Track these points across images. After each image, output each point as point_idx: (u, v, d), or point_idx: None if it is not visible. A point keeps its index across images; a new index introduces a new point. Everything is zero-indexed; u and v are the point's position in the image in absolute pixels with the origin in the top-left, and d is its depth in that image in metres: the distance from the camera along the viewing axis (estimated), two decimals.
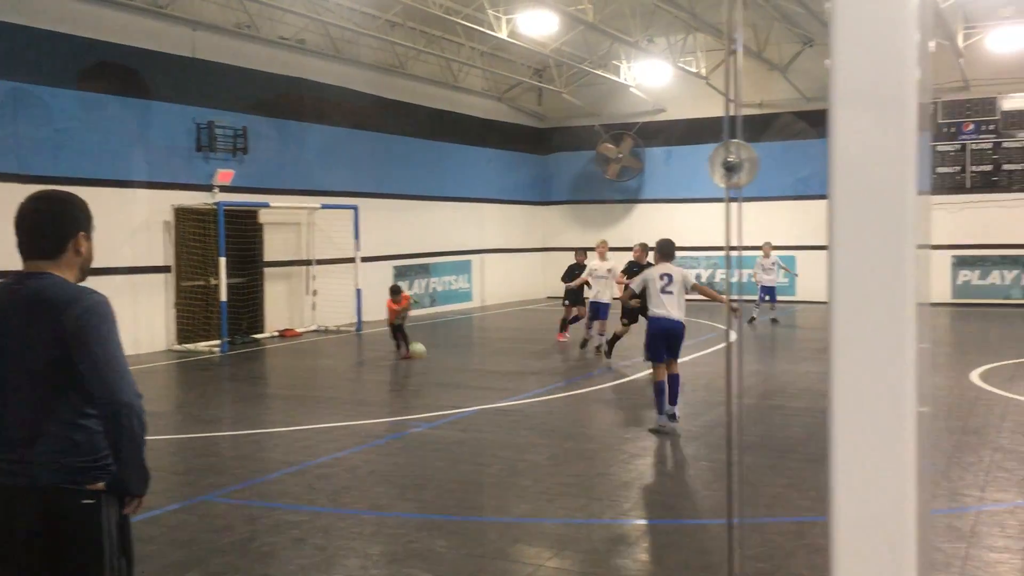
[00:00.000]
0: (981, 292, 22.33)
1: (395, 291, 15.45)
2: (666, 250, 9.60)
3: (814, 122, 22.56)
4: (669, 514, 6.77)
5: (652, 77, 23.84)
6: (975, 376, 12.06)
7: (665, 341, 9.18)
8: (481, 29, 18.77)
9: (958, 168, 22.65)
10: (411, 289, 22.39)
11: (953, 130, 22.60)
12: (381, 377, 13.87)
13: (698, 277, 21.66)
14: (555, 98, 26.24)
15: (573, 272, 16.45)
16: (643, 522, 6.57)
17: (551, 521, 6.52)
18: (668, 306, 9.10)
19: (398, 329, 15.05)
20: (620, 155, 26.05)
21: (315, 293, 19.04)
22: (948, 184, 22.64)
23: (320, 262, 19.18)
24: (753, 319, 19.18)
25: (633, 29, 19.95)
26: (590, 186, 27.08)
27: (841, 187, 1.07)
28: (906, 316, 1.05)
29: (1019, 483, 7.19)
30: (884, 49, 1.04)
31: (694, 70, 22.50)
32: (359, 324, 18.76)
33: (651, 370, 9.53)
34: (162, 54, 16.10)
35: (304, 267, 19.10)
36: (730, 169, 1.52)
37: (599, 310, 15.04)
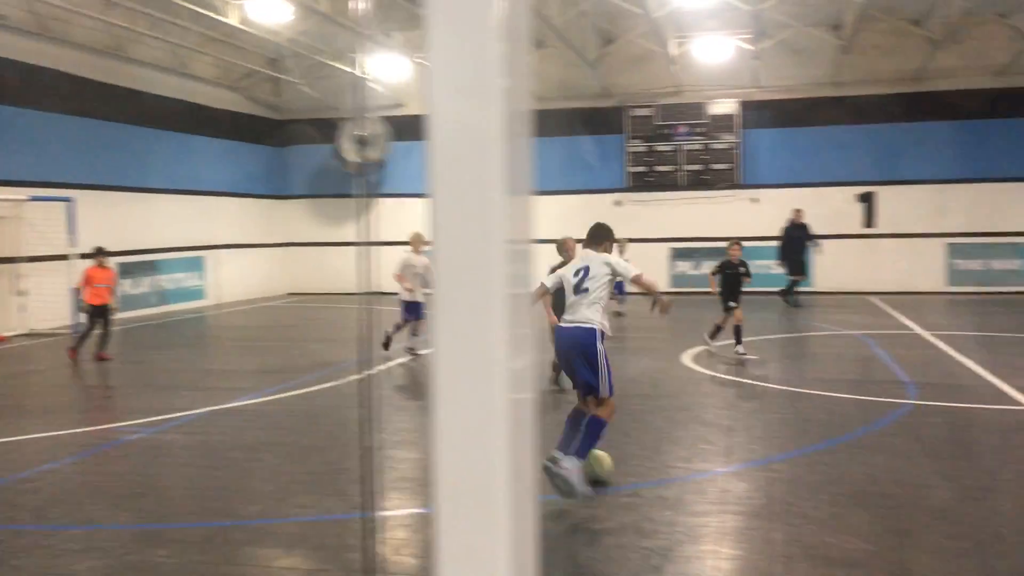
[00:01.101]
0: (694, 281, 24.26)
1: (101, 252, 13.47)
2: (595, 236, 7.02)
3: (545, 119, 23.59)
4: (402, 504, 6.81)
5: (390, 72, 23.85)
6: (686, 358, 13.12)
7: (569, 358, 6.68)
8: (208, 14, 17.92)
9: (674, 167, 24.53)
10: (138, 288, 20.98)
11: (668, 132, 24.45)
12: (101, 382, 12.88)
13: None
14: (293, 90, 25.60)
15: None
16: (377, 514, 6.56)
17: (282, 521, 6.35)
18: (576, 309, 6.66)
19: (100, 314, 13.44)
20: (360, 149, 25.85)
21: (24, 294, 17.37)
22: (666, 182, 24.49)
23: (31, 259, 17.51)
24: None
25: (370, 23, 19.85)
26: (330, 180, 26.66)
27: (437, 187, 1.11)
28: (495, 305, 1.10)
29: (720, 453, 7.90)
30: (470, 58, 1.08)
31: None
32: (76, 326, 17.30)
33: None
34: None
35: (10, 265, 17.36)
36: (362, 143, 1.53)
37: (415, 309, 13.54)
